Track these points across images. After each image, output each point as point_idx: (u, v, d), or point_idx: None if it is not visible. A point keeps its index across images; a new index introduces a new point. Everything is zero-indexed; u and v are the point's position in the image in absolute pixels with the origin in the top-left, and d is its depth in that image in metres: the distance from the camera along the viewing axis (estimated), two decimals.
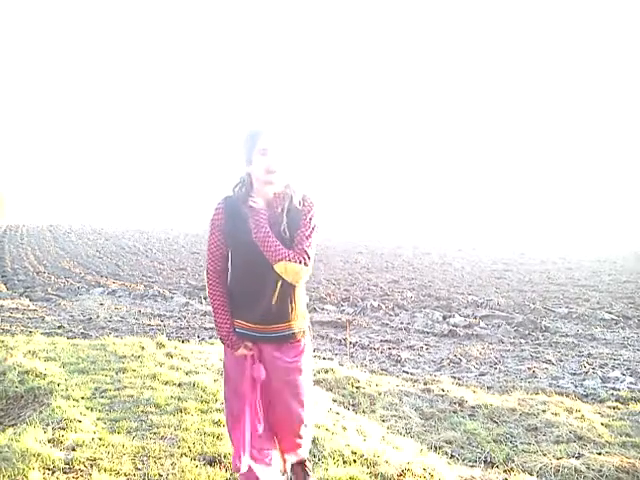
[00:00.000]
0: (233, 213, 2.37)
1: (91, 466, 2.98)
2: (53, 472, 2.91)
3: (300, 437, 2.54)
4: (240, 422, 2.44)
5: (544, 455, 3.50)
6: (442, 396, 4.80)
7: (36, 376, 4.67)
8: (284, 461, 2.64)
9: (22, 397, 4.36)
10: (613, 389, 5.40)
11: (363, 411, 4.38)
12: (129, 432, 3.49)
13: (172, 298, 11.89)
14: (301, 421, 2.50)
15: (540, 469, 3.28)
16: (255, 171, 2.31)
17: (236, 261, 2.43)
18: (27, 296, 12.06)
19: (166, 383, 4.57)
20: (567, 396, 4.86)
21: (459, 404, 4.61)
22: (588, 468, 3.22)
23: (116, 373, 4.86)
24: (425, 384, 5.23)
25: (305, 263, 2.28)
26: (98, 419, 3.70)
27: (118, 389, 4.40)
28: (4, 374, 4.75)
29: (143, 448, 3.23)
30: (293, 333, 2.43)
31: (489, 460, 3.51)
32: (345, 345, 7.39)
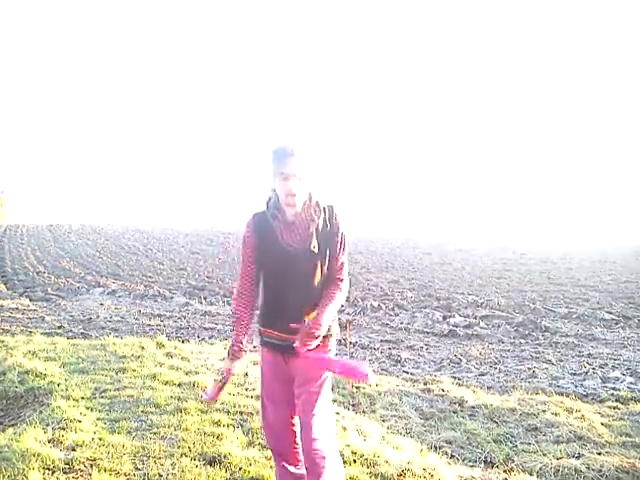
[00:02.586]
0: (261, 227, 2.45)
1: (91, 466, 2.98)
2: (53, 472, 2.91)
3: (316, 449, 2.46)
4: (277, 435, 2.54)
5: (544, 455, 3.50)
6: (442, 396, 4.80)
7: (36, 376, 4.67)
8: None
9: (22, 397, 4.36)
10: (613, 389, 5.40)
11: (363, 411, 4.37)
12: (129, 432, 3.49)
13: (172, 298, 11.90)
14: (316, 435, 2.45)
15: (540, 469, 3.28)
16: (278, 192, 2.41)
17: (266, 275, 2.48)
18: (27, 296, 12.06)
19: (166, 383, 4.56)
20: (567, 396, 4.86)
21: (459, 404, 4.60)
22: (588, 468, 3.22)
23: (116, 373, 4.86)
24: (425, 384, 5.23)
25: (342, 290, 2.47)
26: (98, 419, 3.70)
27: (118, 389, 4.39)
28: (4, 374, 4.75)
29: (143, 448, 3.23)
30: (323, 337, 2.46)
31: (489, 460, 3.51)
32: (345, 345, 7.38)
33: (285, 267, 2.39)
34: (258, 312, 2.57)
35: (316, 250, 2.39)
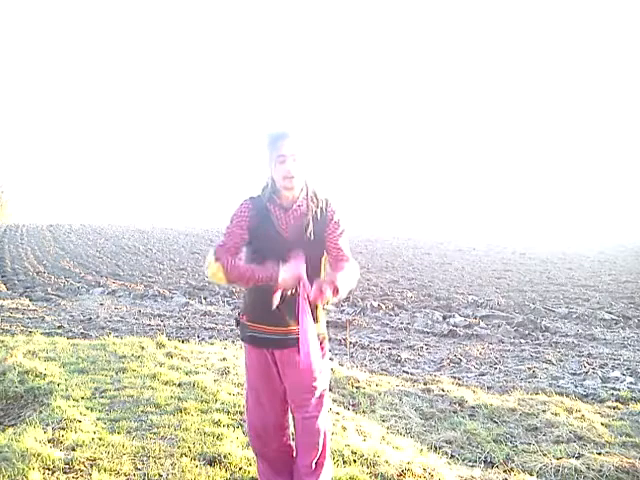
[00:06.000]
0: (258, 210, 2.36)
1: (91, 466, 2.98)
2: (53, 472, 2.91)
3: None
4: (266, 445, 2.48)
5: (544, 455, 3.49)
6: (442, 396, 4.80)
7: (36, 376, 4.67)
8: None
9: (22, 397, 4.36)
10: (613, 389, 5.40)
11: (363, 411, 4.37)
12: (129, 432, 3.49)
13: (172, 298, 11.89)
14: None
15: (540, 469, 3.28)
16: (275, 177, 2.34)
17: (257, 260, 2.35)
18: (27, 296, 12.06)
19: (166, 383, 4.57)
20: (567, 396, 4.86)
21: (459, 404, 4.60)
22: (588, 468, 3.22)
23: (116, 373, 4.86)
24: (425, 384, 5.23)
25: (350, 262, 2.40)
26: (98, 419, 3.70)
27: (118, 389, 4.40)
28: (4, 374, 4.74)
29: (143, 448, 3.23)
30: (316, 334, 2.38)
31: (489, 460, 3.51)
32: (345, 345, 7.38)
33: (280, 254, 2.25)
34: (245, 304, 2.48)
35: (312, 237, 2.32)
